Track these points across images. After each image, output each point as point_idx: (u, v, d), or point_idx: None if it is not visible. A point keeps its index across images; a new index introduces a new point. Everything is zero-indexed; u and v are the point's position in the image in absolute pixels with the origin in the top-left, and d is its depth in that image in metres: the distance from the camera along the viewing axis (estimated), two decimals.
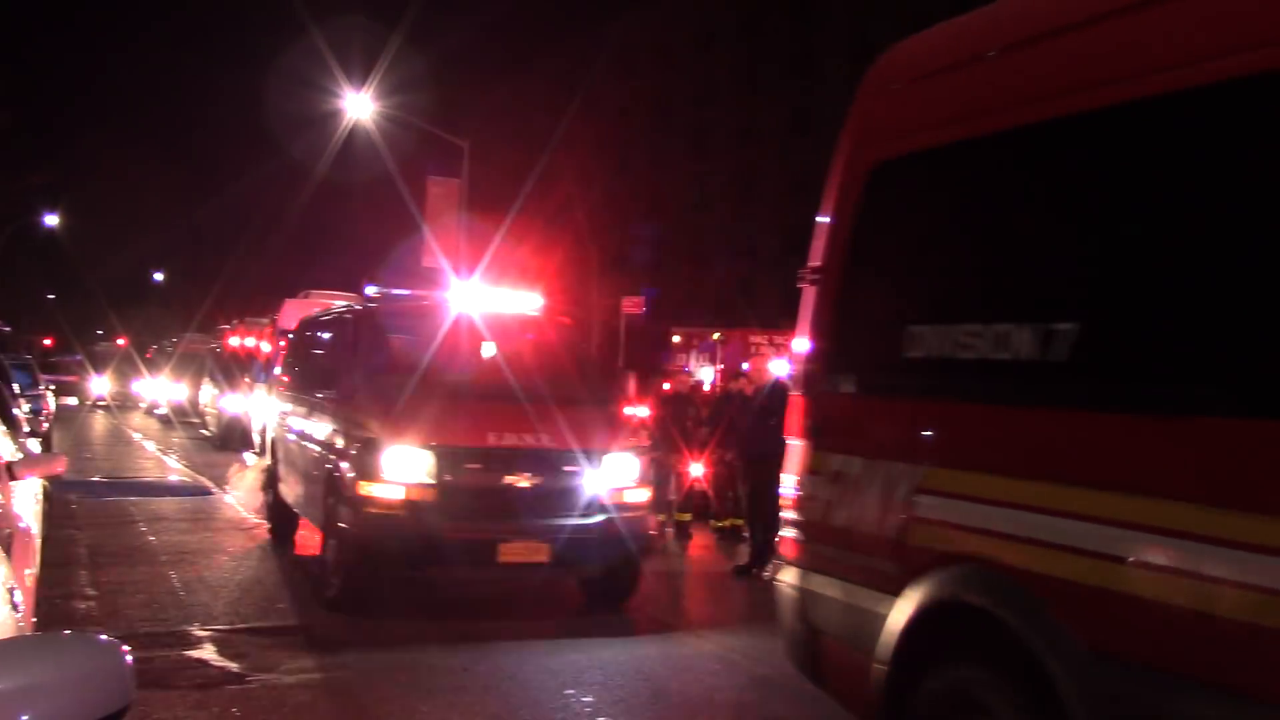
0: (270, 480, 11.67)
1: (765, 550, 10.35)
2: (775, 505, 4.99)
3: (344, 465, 8.29)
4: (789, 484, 4.75)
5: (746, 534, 11.76)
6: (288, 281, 26.21)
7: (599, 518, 8.24)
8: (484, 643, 7.62)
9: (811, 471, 4.59)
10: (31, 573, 5.80)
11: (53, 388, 28.11)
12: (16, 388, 16.97)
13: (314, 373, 10.57)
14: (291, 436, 10.56)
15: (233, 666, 6.75)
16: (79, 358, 48.66)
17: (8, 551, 4.66)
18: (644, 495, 8.70)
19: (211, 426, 25.62)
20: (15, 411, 11.35)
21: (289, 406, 11.01)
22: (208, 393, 26.55)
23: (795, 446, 4.75)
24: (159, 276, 75.57)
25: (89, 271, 58.72)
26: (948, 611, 3.68)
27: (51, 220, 46.94)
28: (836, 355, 4.58)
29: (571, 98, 58.56)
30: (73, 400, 38.42)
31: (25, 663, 1.98)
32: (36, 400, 20.83)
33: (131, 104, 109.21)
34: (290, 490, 10.55)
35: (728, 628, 8.69)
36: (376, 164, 32.03)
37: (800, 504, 4.65)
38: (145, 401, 37.81)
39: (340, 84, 27.28)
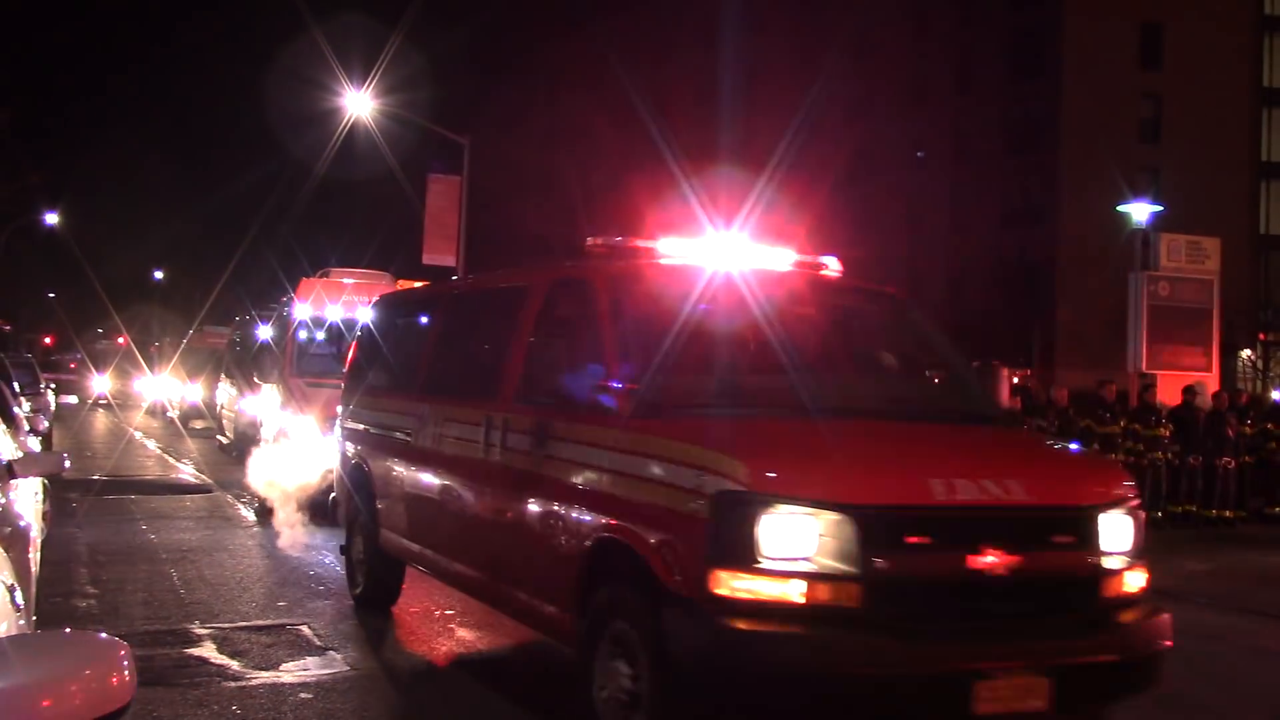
0: (359, 520, 8.41)
1: None
2: None
3: (654, 536, 4.85)
4: None
5: None
6: (284, 279, 24.78)
7: (1113, 623, 5.03)
8: (488, 642, 7.63)
9: None
10: (32, 571, 5.80)
11: (53, 386, 28.13)
12: (17, 386, 17.01)
13: (458, 371, 7.61)
14: (422, 468, 7.41)
15: (233, 665, 6.75)
16: (79, 355, 48.67)
17: (8, 550, 4.66)
18: (1143, 578, 5.27)
19: (228, 432, 21.73)
20: (15, 410, 11.38)
21: (398, 419, 7.93)
22: (225, 393, 22.77)
23: None
24: (159, 275, 75.55)
25: (90, 270, 58.67)
26: None
27: (52, 219, 46.91)
28: None
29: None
30: (73, 399, 38.43)
31: (26, 661, 1.98)
32: (37, 399, 20.85)
33: (132, 103, 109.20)
34: (430, 545, 7.29)
35: None
36: (380, 160, 32.00)
37: None
38: (147, 401, 36.90)
39: (341, 82, 27.26)
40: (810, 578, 4.46)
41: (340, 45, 28.69)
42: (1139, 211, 22.56)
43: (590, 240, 6.47)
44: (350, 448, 8.83)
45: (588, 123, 60.25)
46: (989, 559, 4.64)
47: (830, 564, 4.47)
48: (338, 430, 9.30)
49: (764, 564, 4.46)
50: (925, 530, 4.64)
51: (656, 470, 4.95)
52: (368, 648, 7.33)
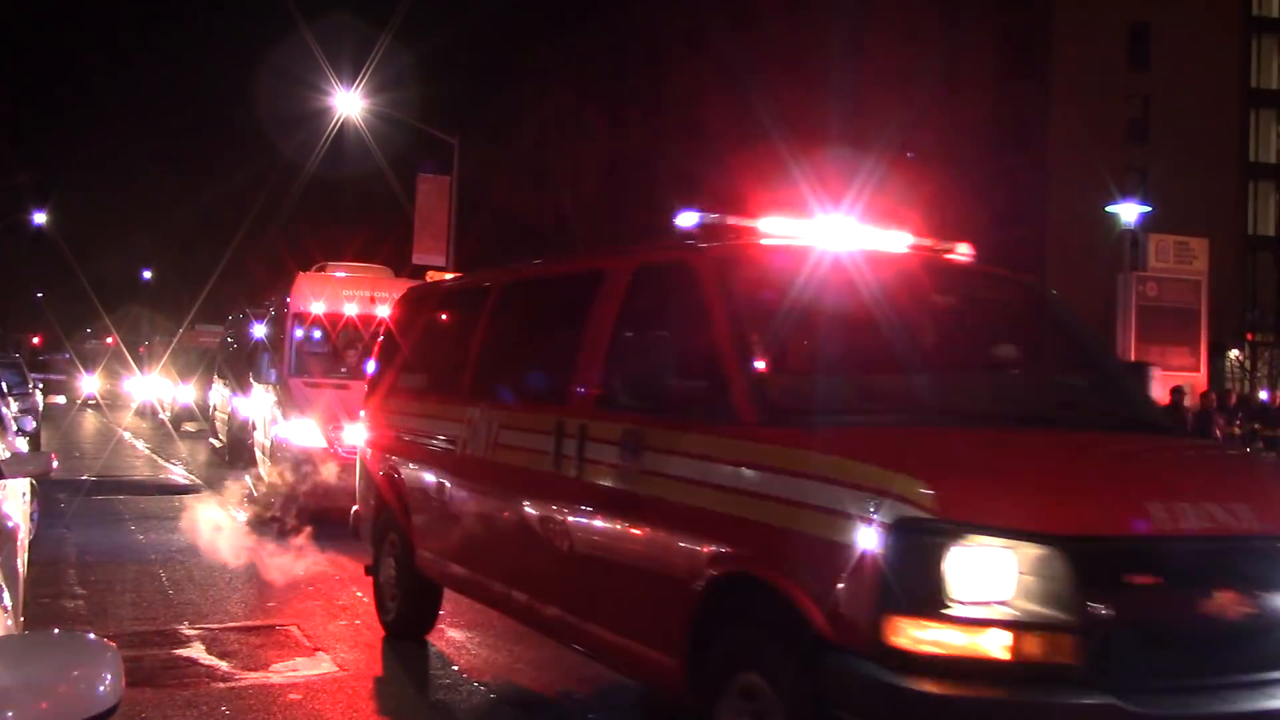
0: (389, 538, 7.58)
1: None
2: None
3: (801, 571, 3.98)
4: None
5: None
6: (276, 276, 24.24)
7: None
8: (477, 642, 7.63)
9: None
10: (20, 572, 5.79)
11: (41, 386, 28.03)
12: (4, 386, 16.95)
13: (516, 370, 6.56)
14: (472, 481, 6.51)
15: (222, 665, 6.73)
16: (67, 356, 48.50)
17: None
18: None
19: (220, 434, 21.13)
20: (3, 410, 11.34)
21: (440, 425, 7.05)
22: (218, 393, 21.95)
23: None
24: (148, 275, 75.34)
25: (78, 269, 58.47)
26: None
27: (40, 218, 46.76)
28: None
29: None
30: (61, 399, 38.26)
31: (14, 662, 1.98)
32: (25, 399, 20.78)
33: (120, 102, 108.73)
34: (482, 571, 6.40)
35: None
36: (369, 160, 31.95)
37: None
38: (136, 401, 36.31)
39: (331, 81, 27.24)
40: (1013, 627, 3.59)
41: (331, 45, 28.68)
42: (1127, 212, 22.66)
43: (687, 218, 5.52)
44: (378, 456, 7.88)
45: (582, 115, 60.24)
46: (1225, 600, 3.80)
47: (1036, 609, 3.61)
48: (360, 435, 8.54)
49: (954, 609, 3.58)
50: (1151, 566, 3.77)
51: (802, 490, 4.02)
52: (357, 649, 7.32)
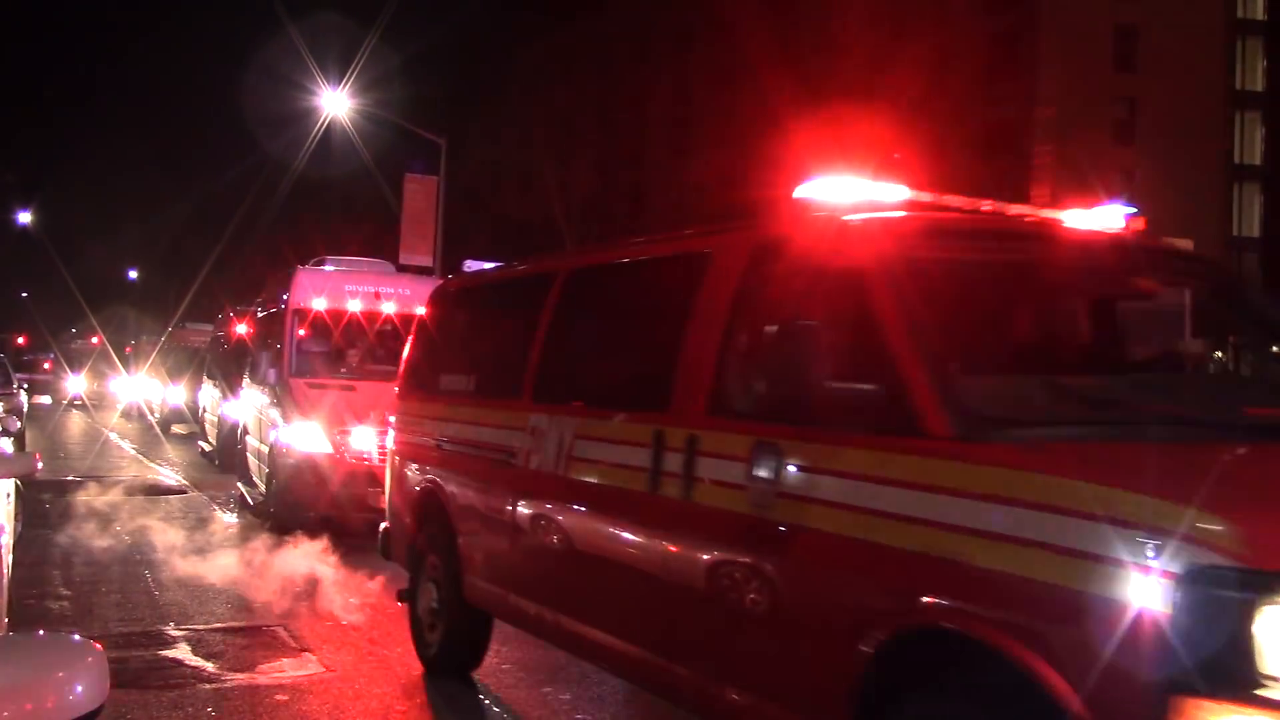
0: (428, 560, 6.75)
1: None
2: None
3: (1035, 631, 3.08)
4: None
5: None
6: (263, 276, 23.72)
7: None
8: None
9: None
10: (4, 573, 5.76)
11: (26, 386, 27.88)
12: None
13: (592, 370, 5.78)
14: (538, 499, 5.60)
15: (208, 666, 6.71)
16: (52, 355, 48.28)
17: None
18: None
19: (210, 437, 20.20)
20: None
21: (495, 434, 6.11)
22: (208, 395, 20.88)
23: None
24: (134, 275, 75.11)
25: (64, 269, 58.29)
26: None
27: (25, 217, 46.58)
28: None
29: None
30: (46, 399, 38.04)
31: None
32: (9, 399, 20.68)
33: (106, 102, 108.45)
34: (553, 605, 5.50)
35: None
36: (356, 160, 31.93)
37: None
38: (122, 403, 35.33)
39: (317, 81, 27.20)
40: None
41: (318, 44, 28.64)
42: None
43: (822, 182, 4.35)
44: (414, 467, 7.05)
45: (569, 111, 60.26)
46: None
47: None
48: (388, 442, 7.79)
49: (1273, 691, 2.68)
50: None
51: (1034, 525, 3.11)
52: (344, 649, 7.29)
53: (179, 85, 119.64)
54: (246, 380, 14.77)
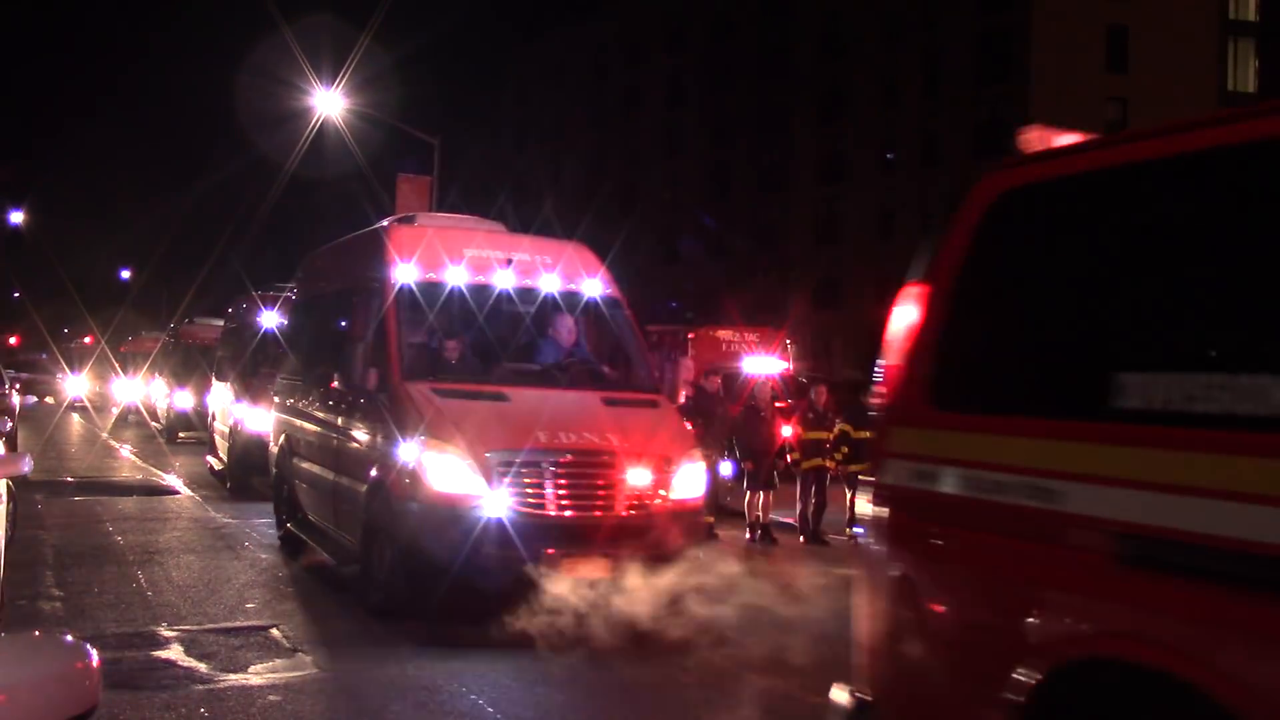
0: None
1: None
2: None
3: None
4: None
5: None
6: (261, 277, 23.12)
7: None
8: (458, 644, 7.60)
9: None
10: None
11: (18, 386, 27.78)
12: None
13: None
14: None
15: (201, 667, 6.71)
16: (44, 356, 48.06)
17: None
18: None
19: (221, 453, 16.76)
20: None
21: None
22: (219, 398, 17.68)
23: None
24: (126, 275, 74.92)
25: (57, 269, 58.16)
26: None
27: (17, 217, 46.44)
28: None
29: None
30: (33, 399, 37.69)
31: None
32: (1, 400, 20.60)
33: (99, 101, 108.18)
34: None
35: None
36: (349, 160, 31.90)
37: None
38: (119, 406, 34.04)
39: (310, 81, 27.15)
40: None
41: (312, 44, 28.60)
42: None
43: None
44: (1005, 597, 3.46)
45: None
46: None
47: None
48: (876, 530, 4.03)
49: None
50: None
51: None
52: (336, 650, 7.30)
53: (174, 86, 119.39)
54: (338, 380, 9.58)
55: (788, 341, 24.42)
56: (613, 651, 7.34)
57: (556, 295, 9.31)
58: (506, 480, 7.63)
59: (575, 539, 7.75)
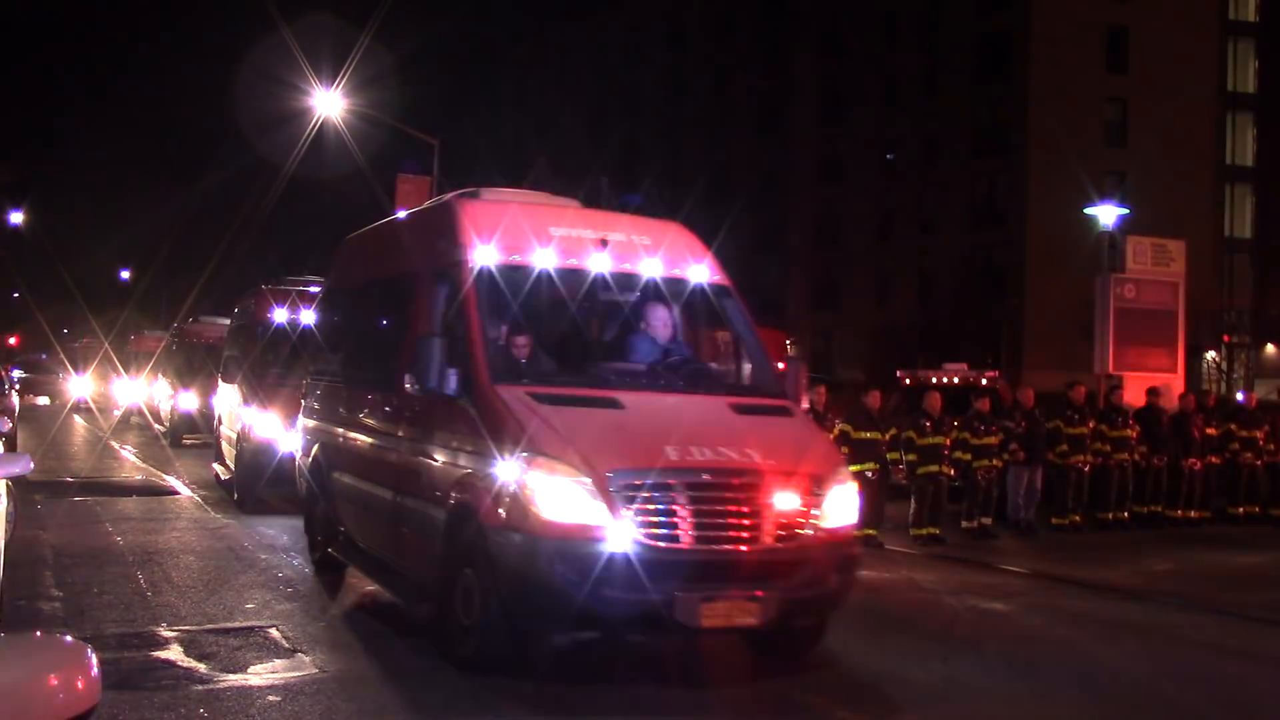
0: None
1: None
2: None
3: None
4: None
5: None
6: (261, 276, 22.70)
7: None
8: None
9: None
10: None
11: (17, 386, 27.79)
12: None
13: None
14: None
15: (200, 668, 6.71)
16: (43, 356, 48.02)
17: None
18: None
19: (228, 460, 15.49)
20: None
21: None
22: (225, 401, 16.53)
23: None
24: (126, 275, 74.91)
25: (58, 269, 58.14)
26: None
27: (17, 217, 46.42)
28: None
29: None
30: (31, 400, 37.58)
31: None
32: (1, 400, 20.63)
33: (100, 101, 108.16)
34: None
35: None
36: (349, 160, 31.90)
37: None
38: (120, 407, 33.29)
39: (310, 81, 27.15)
40: None
41: (311, 45, 28.59)
42: (1105, 214, 22.76)
43: None
44: None
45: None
46: None
47: None
48: None
49: None
50: None
51: None
52: (336, 650, 7.30)
53: (173, 87, 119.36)
54: (407, 381, 7.78)
55: (788, 342, 24.38)
56: None
57: (659, 281, 8.02)
58: (633, 507, 6.24)
59: (716, 577, 6.36)
